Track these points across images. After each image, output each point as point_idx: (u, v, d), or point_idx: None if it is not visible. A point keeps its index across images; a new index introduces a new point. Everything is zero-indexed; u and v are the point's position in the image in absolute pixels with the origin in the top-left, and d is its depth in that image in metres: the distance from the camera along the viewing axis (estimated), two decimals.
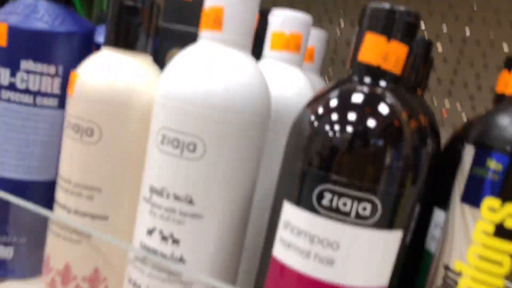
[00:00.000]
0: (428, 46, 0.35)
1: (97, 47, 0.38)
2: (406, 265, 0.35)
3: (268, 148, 0.34)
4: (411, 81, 0.34)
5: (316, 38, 0.44)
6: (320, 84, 0.45)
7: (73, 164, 0.31)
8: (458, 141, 0.34)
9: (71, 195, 0.31)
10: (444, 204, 0.30)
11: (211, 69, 0.28)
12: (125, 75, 0.30)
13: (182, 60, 0.29)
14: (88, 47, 0.35)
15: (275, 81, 0.35)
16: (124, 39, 0.31)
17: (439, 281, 0.27)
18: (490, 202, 0.24)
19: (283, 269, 0.26)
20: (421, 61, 0.34)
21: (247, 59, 0.29)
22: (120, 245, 0.30)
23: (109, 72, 0.30)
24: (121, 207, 0.31)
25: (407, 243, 0.27)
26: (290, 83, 0.35)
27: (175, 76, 0.28)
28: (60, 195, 0.32)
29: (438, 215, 0.34)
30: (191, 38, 0.39)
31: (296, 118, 0.28)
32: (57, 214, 0.32)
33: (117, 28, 0.31)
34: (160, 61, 0.40)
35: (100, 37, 0.39)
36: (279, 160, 0.35)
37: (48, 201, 0.35)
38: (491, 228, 0.24)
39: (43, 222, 0.34)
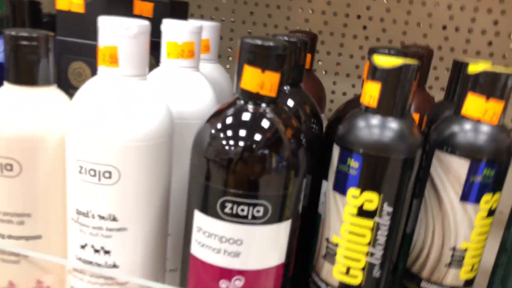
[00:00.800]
0: (305, 44, 0.40)
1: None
2: (305, 228, 0.43)
3: (178, 148, 0.38)
4: (294, 79, 0.40)
5: (210, 30, 0.47)
6: (217, 71, 0.49)
7: None
8: (333, 126, 0.40)
9: (2, 223, 0.34)
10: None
11: (115, 104, 0.31)
12: (33, 112, 0.33)
13: (87, 96, 0.32)
14: None
15: (173, 87, 0.39)
16: (25, 77, 0.33)
17: (323, 250, 0.34)
18: (352, 191, 0.31)
19: (201, 263, 0.32)
20: (300, 60, 0.39)
21: (145, 87, 0.32)
22: (56, 261, 0.34)
23: (17, 110, 0.32)
24: (51, 226, 0.35)
25: (296, 224, 0.33)
26: (187, 88, 0.39)
27: (83, 112, 0.31)
28: None
29: (325, 185, 0.42)
30: (88, 50, 0.41)
31: (195, 135, 0.32)
32: None
33: (16, 66, 0.32)
34: (63, 76, 0.41)
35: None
36: (188, 155, 0.39)
37: None
38: (355, 210, 0.32)
39: None
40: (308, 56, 0.52)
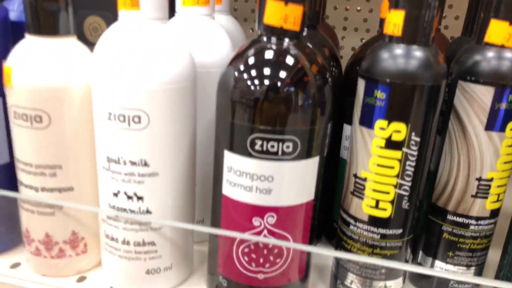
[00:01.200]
0: None
1: (13, 25, 0.38)
2: (328, 172, 0.44)
3: (200, 97, 0.38)
4: (312, 21, 0.40)
5: None
6: (230, 22, 0.49)
7: (30, 149, 0.34)
8: (353, 67, 0.40)
9: (35, 176, 0.35)
10: (350, 120, 0.37)
11: (140, 47, 0.31)
12: (57, 61, 0.33)
13: (112, 41, 0.32)
14: (7, 31, 0.36)
15: (192, 35, 0.39)
16: (46, 26, 0.33)
17: (351, 186, 0.35)
18: (380, 123, 0.32)
19: (233, 203, 0.32)
20: (317, 3, 0.39)
21: (167, 31, 0.32)
22: (91, 210, 0.35)
23: (41, 61, 0.32)
24: (83, 176, 0.36)
25: (324, 163, 0.34)
26: (205, 36, 0.39)
27: (108, 58, 0.31)
28: (24, 177, 0.35)
29: (347, 129, 0.42)
30: (103, 2, 0.40)
31: (220, 77, 0.32)
32: (26, 194, 0.35)
33: (37, 17, 0.32)
34: (79, 31, 0.41)
35: (13, 14, 0.40)
36: (210, 105, 0.40)
37: (8, 180, 0.38)
38: (383, 143, 0.32)
39: (10, 201, 0.38)
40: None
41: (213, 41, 0.39)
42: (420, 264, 0.41)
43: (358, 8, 0.75)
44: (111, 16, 0.40)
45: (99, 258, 0.39)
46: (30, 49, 0.33)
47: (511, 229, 0.38)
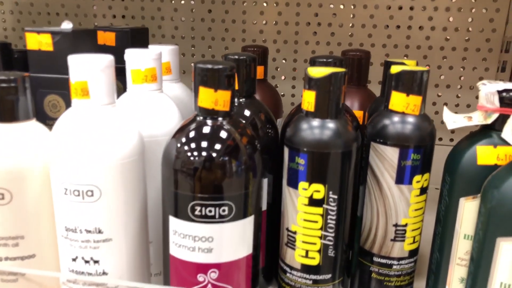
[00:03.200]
0: (254, 60, 0.45)
1: None
2: (272, 221, 0.48)
3: (151, 163, 0.43)
4: (248, 91, 0.45)
5: (170, 53, 0.52)
6: (180, 89, 0.54)
7: None
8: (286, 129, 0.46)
9: None
10: None
11: (90, 131, 0.35)
12: (17, 145, 0.37)
13: (65, 126, 0.36)
14: None
15: (141, 110, 0.44)
16: (7, 115, 0.37)
17: (285, 238, 0.40)
18: (302, 184, 0.37)
19: (180, 262, 0.37)
20: (251, 74, 0.45)
21: (115, 113, 0.37)
22: (52, 275, 0.39)
23: (3, 146, 0.36)
24: (44, 244, 0.39)
25: (260, 221, 0.39)
26: (154, 109, 0.44)
27: (63, 141, 0.36)
28: None
29: None
30: (60, 83, 0.45)
31: (164, 151, 0.37)
32: None
33: None
34: (40, 108, 0.46)
35: None
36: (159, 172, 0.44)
37: None
38: (306, 201, 0.37)
39: None
40: (260, 68, 0.57)
41: (161, 113, 0.44)
42: None
43: (305, 59, 0.82)
44: (68, 94, 0.44)
45: None
46: None
47: (430, 267, 0.43)
